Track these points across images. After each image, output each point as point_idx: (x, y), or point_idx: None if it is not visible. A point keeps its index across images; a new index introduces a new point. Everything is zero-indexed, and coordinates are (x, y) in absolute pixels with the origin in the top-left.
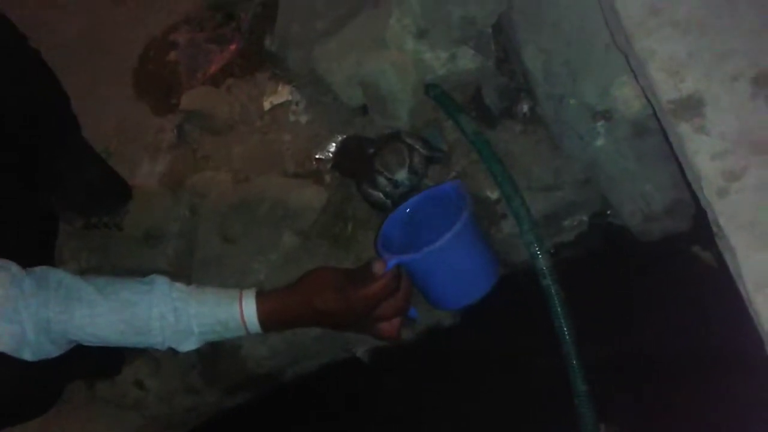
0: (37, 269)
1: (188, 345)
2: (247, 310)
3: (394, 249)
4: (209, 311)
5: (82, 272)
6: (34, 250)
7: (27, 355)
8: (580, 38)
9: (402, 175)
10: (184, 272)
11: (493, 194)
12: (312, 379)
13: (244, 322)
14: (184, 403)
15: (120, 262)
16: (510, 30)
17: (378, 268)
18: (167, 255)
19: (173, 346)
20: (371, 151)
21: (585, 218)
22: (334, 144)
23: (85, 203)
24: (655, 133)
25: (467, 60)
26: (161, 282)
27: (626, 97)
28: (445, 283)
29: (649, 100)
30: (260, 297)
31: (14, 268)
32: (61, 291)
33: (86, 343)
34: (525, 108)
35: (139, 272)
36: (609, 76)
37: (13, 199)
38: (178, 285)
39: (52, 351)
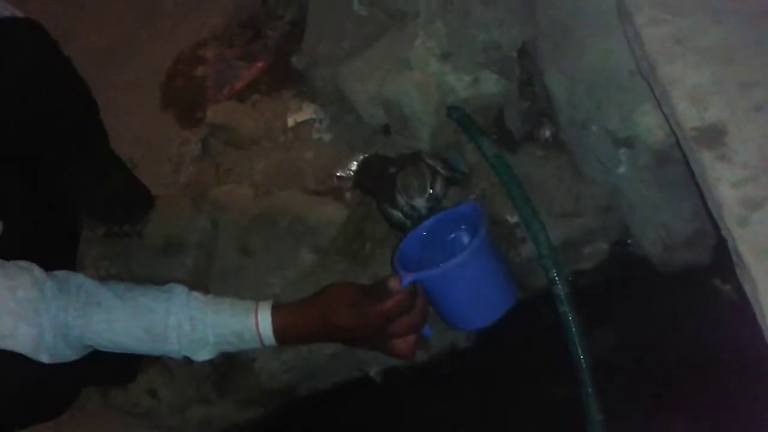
0: (59, 273)
1: (203, 354)
2: (263, 322)
3: (411, 268)
4: (225, 321)
5: (102, 279)
6: (56, 255)
7: (44, 358)
8: (605, 64)
9: (422, 195)
10: (201, 283)
11: (512, 218)
12: (324, 396)
13: (259, 333)
14: (196, 415)
15: (139, 271)
16: (534, 54)
17: (394, 284)
18: (186, 265)
19: (189, 355)
20: (392, 170)
21: (605, 246)
22: (355, 162)
23: (108, 211)
24: (677, 163)
25: (490, 83)
26: (179, 291)
27: (649, 125)
28: (462, 302)
29: (672, 128)
30: (276, 309)
31: (36, 270)
32: (81, 295)
33: (103, 349)
34: (547, 133)
35: (158, 281)
36: (632, 103)
37: (37, 204)
38: (196, 294)
39: (69, 355)
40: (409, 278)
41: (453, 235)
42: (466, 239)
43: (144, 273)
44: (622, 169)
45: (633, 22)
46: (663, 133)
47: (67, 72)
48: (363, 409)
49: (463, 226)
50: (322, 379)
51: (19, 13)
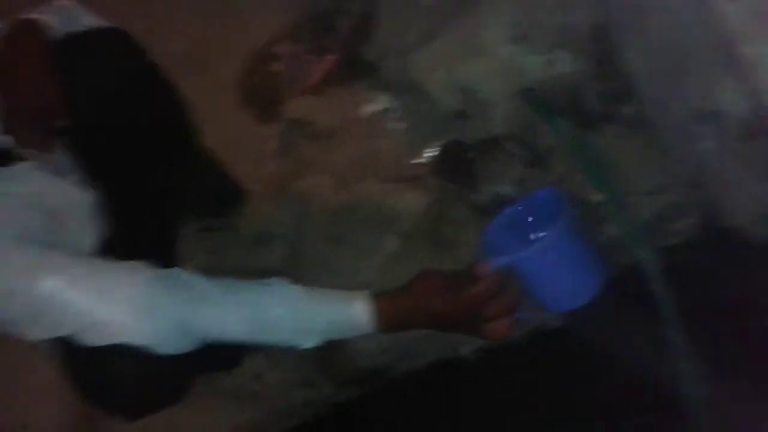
0: (170, 271)
1: (308, 343)
2: (363, 310)
3: (498, 253)
4: (328, 311)
5: (197, 272)
6: (159, 253)
7: (163, 350)
8: (685, 40)
9: (502, 178)
10: (292, 273)
11: (595, 197)
12: (419, 375)
13: (359, 322)
14: (299, 396)
15: (233, 263)
16: (610, 33)
17: (483, 268)
18: (277, 256)
19: (294, 344)
20: (471, 155)
21: (694, 221)
22: (431, 149)
23: (205, 206)
24: (764, 135)
25: (565, 64)
26: (282, 283)
27: (733, 100)
28: (552, 283)
29: (756, 102)
30: (374, 299)
31: (150, 269)
32: (193, 292)
33: (215, 341)
34: (626, 111)
35: (251, 272)
36: (715, 78)
37: (140, 205)
38: (298, 286)
39: (185, 347)
40: (497, 262)
41: (536, 221)
42: (550, 224)
43: (238, 265)
44: (707, 144)
45: None
46: (747, 106)
47: (157, 76)
48: (457, 388)
49: (546, 211)
50: (416, 359)
51: (105, 23)
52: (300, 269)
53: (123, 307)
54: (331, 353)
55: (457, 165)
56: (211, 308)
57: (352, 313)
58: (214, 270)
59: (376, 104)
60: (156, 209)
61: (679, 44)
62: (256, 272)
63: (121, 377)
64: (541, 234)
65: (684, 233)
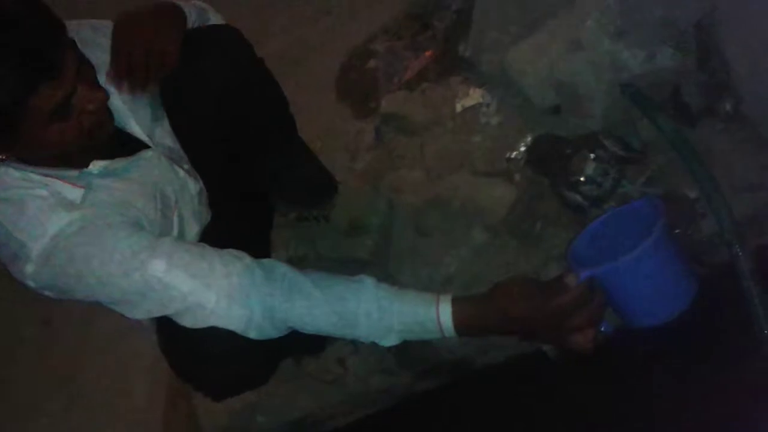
0: (266, 261)
1: (389, 341)
2: (444, 313)
3: (584, 264)
4: (410, 311)
5: (290, 259)
6: (255, 241)
7: (252, 335)
8: None
9: (597, 175)
10: (381, 262)
11: (692, 193)
12: (498, 369)
13: (440, 324)
14: (379, 383)
15: (325, 252)
16: (712, 28)
17: (571, 279)
18: (367, 246)
19: (375, 340)
20: (569, 151)
21: None
22: (524, 144)
23: (300, 197)
24: None
25: (666, 58)
26: (369, 282)
27: None
28: (639, 298)
29: None
30: (456, 302)
31: (247, 259)
32: (285, 283)
33: (302, 330)
34: (728, 106)
35: (342, 261)
36: None
37: (239, 194)
38: (384, 285)
39: (273, 334)
40: (586, 273)
41: (626, 233)
42: (640, 237)
43: (329, 254)
44: None
45: None
46: None
47: (262, 71)
48: (536, 384)
49: (636, 224)
50: (496, 354)
51: (222, 20)
52: (388, 259)
53: (219, 293)
54: (411, 343)
55: (551, 159)
56: (301, 300)
57: (431, 314)
58: (307, 258)
59: (470, 99)
60: (253, 199)
61: None
62: (348, 262)
63: (212, 357)
64: (633, 247)
65: None
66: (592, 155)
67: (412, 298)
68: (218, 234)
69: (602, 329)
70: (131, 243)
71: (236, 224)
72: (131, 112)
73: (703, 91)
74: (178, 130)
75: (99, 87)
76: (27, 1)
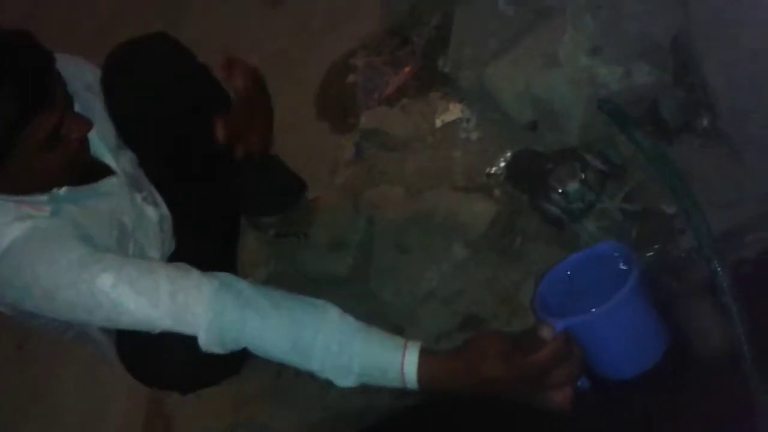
0: (223, 275)
1: (345, 381)
2: (409, 364)
3: (552, 312)
4: (372, 353)
5: (269, 276)
6: (222, 260)
7: (203, 350)
8: (765, 51)
9: (577, 190)
10: (361, 278)
11: (670, 208)
12: None
13: (403, 374)
14: (360, 402)
15: (304, 268)
16: (688, 44)
17: (547, 332)
18: (347, 262)
19: (331, 378)
20: (549, 166)
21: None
22: (503, 159)
23: (269, 199)
24: None
25: (643, 75)
26: (333, 312)
27: None
28: (617, 349)
29: None
30: (424, 354)
31: (195, 273)
32: (239, 299)
33: (253, 352)
34: (705, 122)
35: (321, 278)
36: None
37: (206, 213)
38: (349, 318)
39: (222, 352)
40: (561, 324)
41: (595, 279)
42: (610, 283)
43: (308, 270)
44: None
45: None
46: None
47: (207, 76)
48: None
49: (605, 269)
50: None
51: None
52: (368, 275)
53: (163, 313)
54: None
55: (530, 175)
56: (255, 320)
57: (394, 361)
58: (287, 275)
59: (450, 114)
60: (219, 215)
61: (760, 54)
62: (328, 278)
63: (170, 361)
64: (601, 295)
65: (757, 246)
66: (572, 169)
67: (377, 340)
68: (183, 258)
69: (579, 384)
70: (81, 253)
71: (202, 246)
72: (101, 141)
73: (681, 107)
74: (132, 148)
75: (84, 117)
76: (21, 31)
